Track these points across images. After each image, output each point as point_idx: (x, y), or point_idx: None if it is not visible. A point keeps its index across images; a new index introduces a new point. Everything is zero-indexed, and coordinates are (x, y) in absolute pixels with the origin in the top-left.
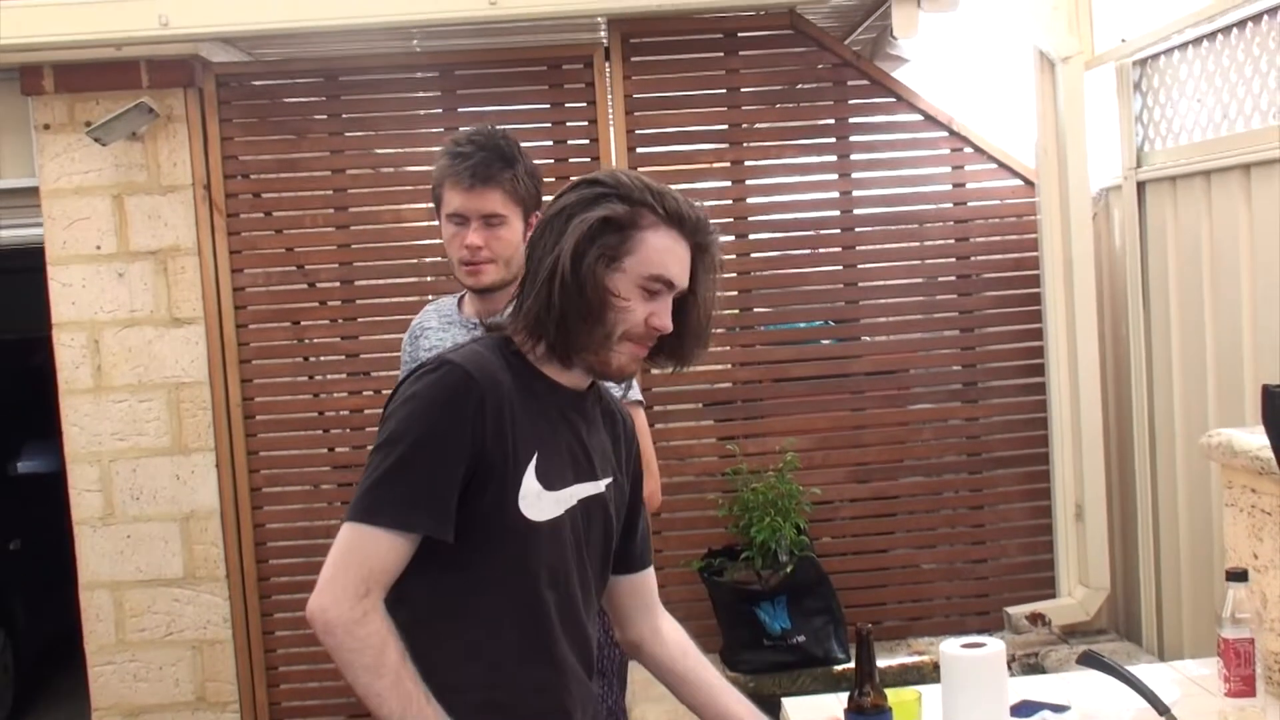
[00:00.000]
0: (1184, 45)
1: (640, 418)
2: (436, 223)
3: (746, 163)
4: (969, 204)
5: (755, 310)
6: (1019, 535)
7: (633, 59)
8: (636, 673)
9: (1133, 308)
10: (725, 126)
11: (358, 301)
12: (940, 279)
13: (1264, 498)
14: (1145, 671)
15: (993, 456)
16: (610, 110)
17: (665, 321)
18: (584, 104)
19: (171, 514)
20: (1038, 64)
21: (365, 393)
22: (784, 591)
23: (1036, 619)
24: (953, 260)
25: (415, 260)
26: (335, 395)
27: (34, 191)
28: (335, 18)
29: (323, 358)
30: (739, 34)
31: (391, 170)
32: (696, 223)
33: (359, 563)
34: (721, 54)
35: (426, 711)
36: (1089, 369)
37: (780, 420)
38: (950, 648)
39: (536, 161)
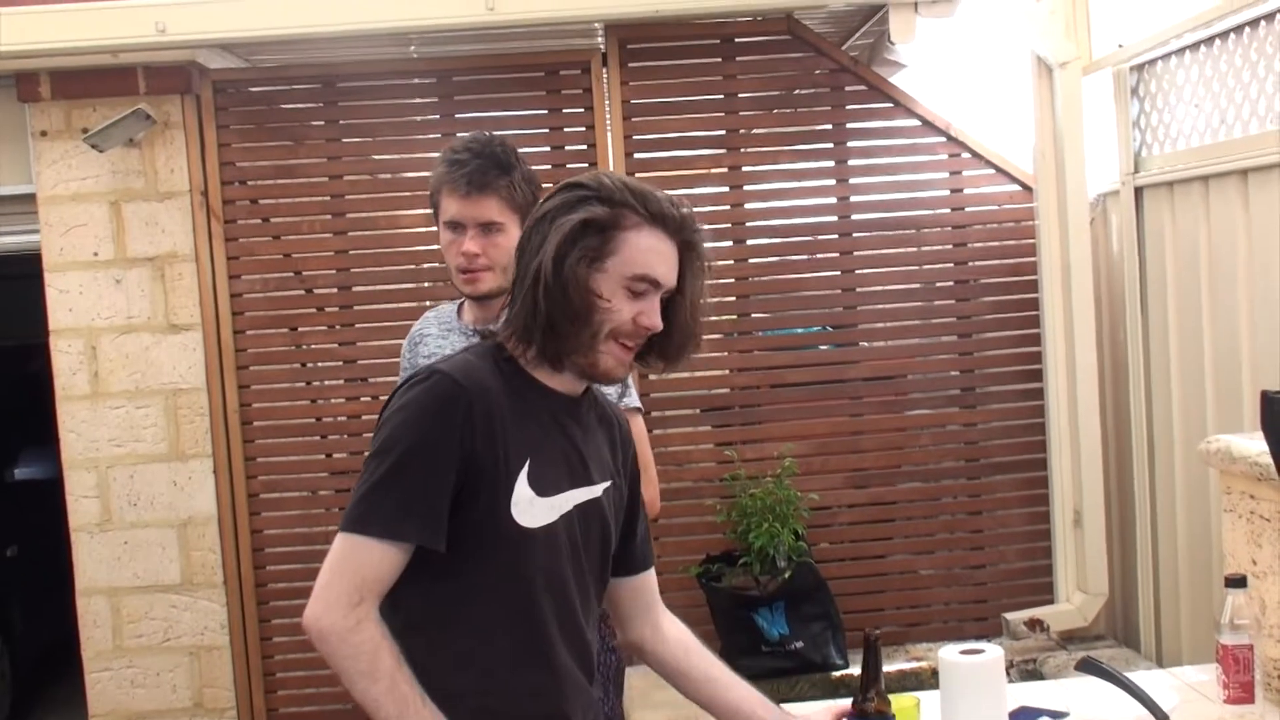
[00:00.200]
0: (1181, 50)
1: (639, 424)
2: (434, 229)
3: (744, 168)
4: (967, 209)
5: (753, 315)
6: (1017, 541)
7: (630, 65)
8: (634, 679)
9: (1131, 313)
10: (723, 132)
11: (355, 308)
12: (938, 284)
13: (1263, 504)
14: (1144, 678)
15: (991, 462)
16: (608, 116)
17: (654, 320)
18: (581, 110)
19: (169, 520)
20: (1035, 69)
21: (363, 399)
22: (782, 597)
23: (1035, 625)
24: (951, 266)
25: (413, 266)
26: (333, 401)
27: (31, 198)
28: (333, 24)
29: (320, 364)
30: (736, 40)
31: (389, 176)
32: (680, 221)
33: (351, 571)
34: (719, 60)
35: (424, 714)
36: (1087, 374)
37: (778, 426)
38: (949, 654)
39: (534, 167)
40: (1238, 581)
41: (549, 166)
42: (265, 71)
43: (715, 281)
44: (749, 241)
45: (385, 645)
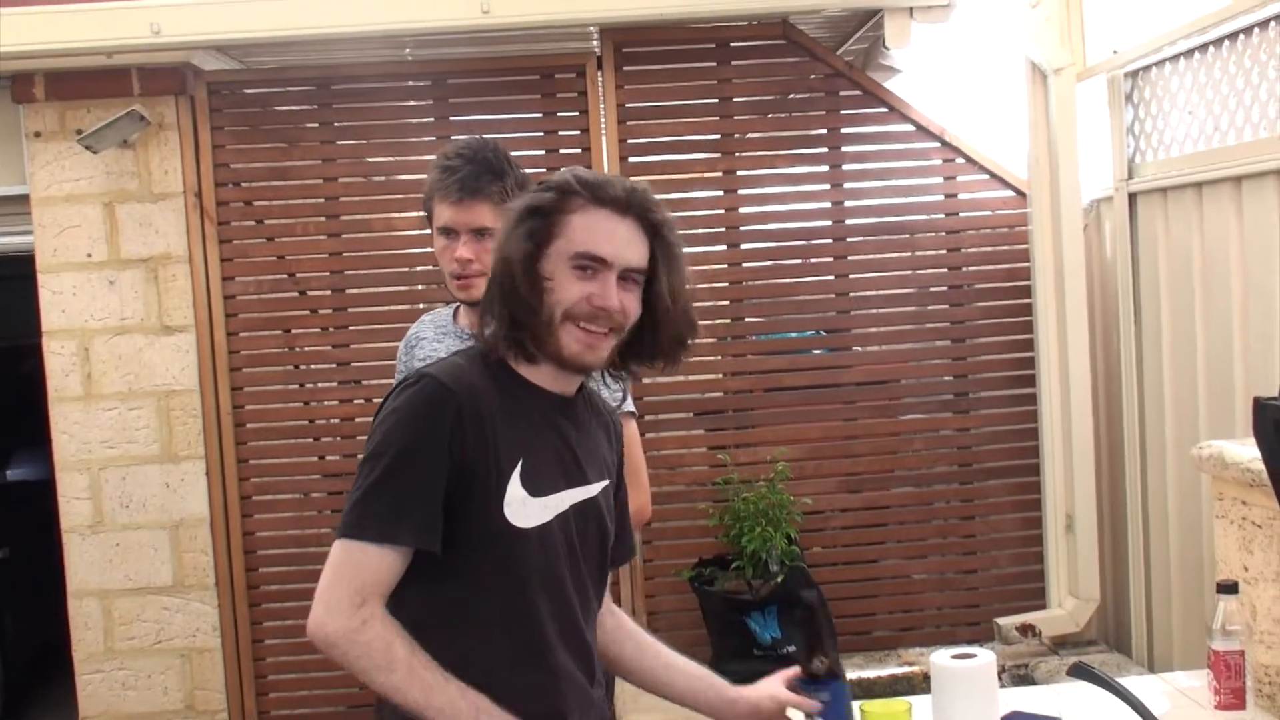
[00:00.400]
0: (1176, 57)
1: (632, 429)
2: (428, 232)
3: (738, 172)
4: (961, 214)
5: (747, 319)
6: (1009, 546)
7: (625, 68)
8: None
9: (1124, 319)
10: (717, 136)
11: (349, 310)
12: (932, 289)
13: (1255, 510)
14: (1135, 683)
15: (983, 467)
16: (603, 119)
17: (609, 300)
18: (576, 113)
19: (161, 522)
20: (1030, 75)
21: (356, 401)
22: (774, 601)
23: (1027, 630)
24: (944, 270)
25: (406, 269)
26: (326, 404)
27: (24, 199)
28: (327, 26)
29: (313, 366)
30: (731, 44)
31: (383, 179)
32: (629, 197)
33: (351, 576)
34: (714, 64)
35: (449, 690)
36: (1080, 380)
37: (771, 430)
38: (941, 658)
39: (528, 171)
40: (1229, 587)
41: (543, 170)
42: (260, 73)
43: (709, 285)
44: (743, 245)
45: (396, 637)
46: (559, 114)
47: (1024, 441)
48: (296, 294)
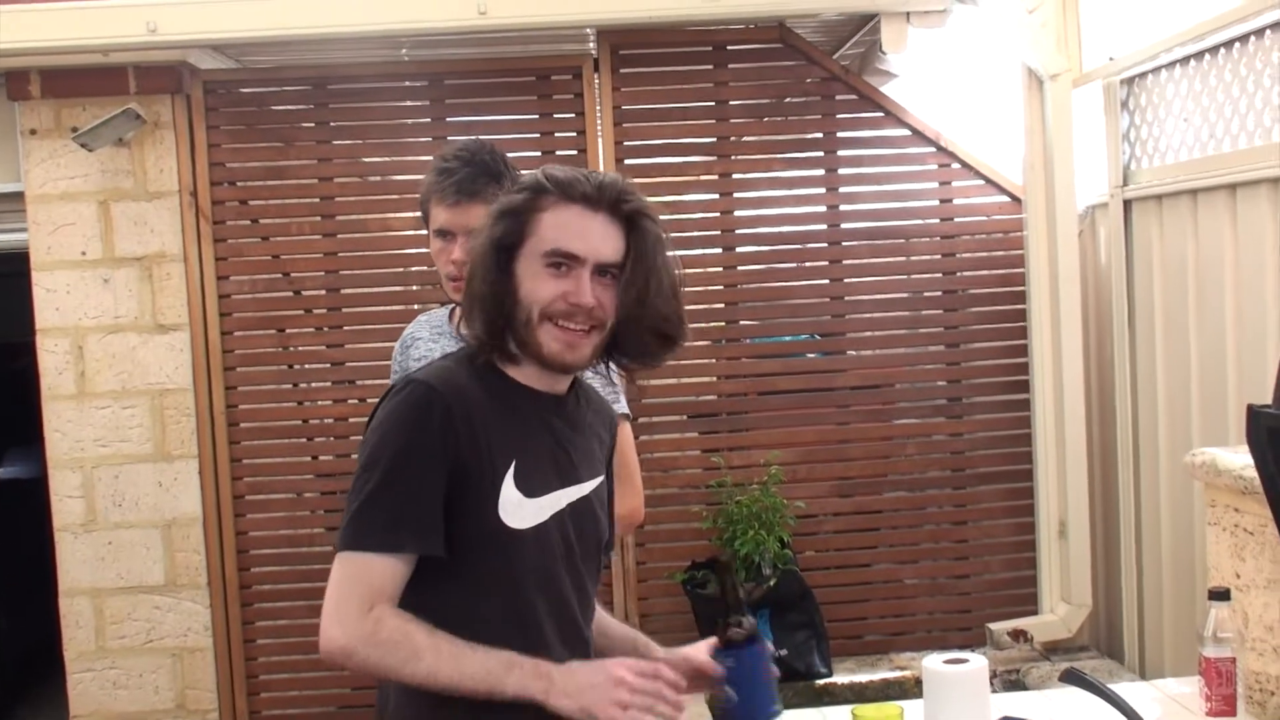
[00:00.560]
0: (1171, 64)
1: (626, 431)
2: (424, 232)
3: (734, 175)
4: (956, 220)
5: (741, 323)
6: (1002, 551)
7: (622, 70)
8: None
9: (1118, 325)
10: (713, 139)
11: (343, 310)
12: (926, 294)
13: (1247, 517)
14: (1126, 689)
15: (976, 472)
16: (599, 121)
17: (584, 297)
18: (572, 115)
19: (153, 521)
20: (1026, 81)
21: (350, 401)
22: (767, 605)
23: (1019, 635)
24: (939, 275)
25: (401, 270)
26: (319, 403)
27: (19, 196)
28: (324, 26)
29: (307, 366)
30: (728, 47)
31: (379, 179)
32: (600, 192)
33: (358, 588)
34: (710, 66)
35: (477, 655)
36: (1074, 386)
37: (765, 433)
38: (933, 663)
39: (524, 172)
40: (1221, 594)
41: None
42: (256, 72)
43: (704, 288)
44: (738, 249)
45: (412, 625)
46: (555, 115)
47: (1017, 447)
48: (291, 294)
